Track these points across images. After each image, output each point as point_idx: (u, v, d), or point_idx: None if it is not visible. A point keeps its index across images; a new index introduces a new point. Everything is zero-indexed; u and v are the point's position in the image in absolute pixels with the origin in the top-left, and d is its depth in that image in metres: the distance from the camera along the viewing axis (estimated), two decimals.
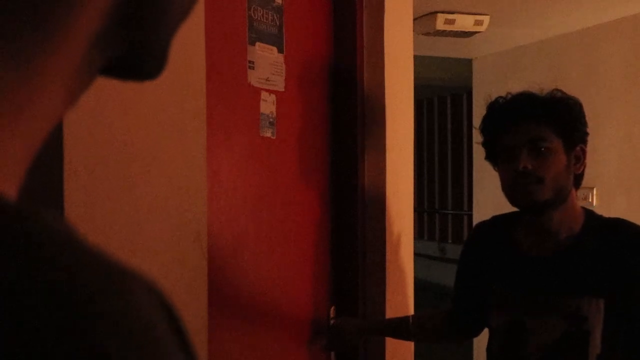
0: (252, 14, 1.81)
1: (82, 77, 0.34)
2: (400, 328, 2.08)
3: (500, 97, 1.83)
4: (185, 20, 0.39)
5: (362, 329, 2.13)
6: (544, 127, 1.72)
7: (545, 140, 1.71)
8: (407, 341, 2.29)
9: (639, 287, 1.69)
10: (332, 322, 2.16)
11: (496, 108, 1.81)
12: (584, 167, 1.80)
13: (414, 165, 2.59)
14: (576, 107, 1.78)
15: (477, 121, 1.93)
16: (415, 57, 2.52)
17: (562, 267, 1.73)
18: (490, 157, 1.84)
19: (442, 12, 4.15)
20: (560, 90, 1.81)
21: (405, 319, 2.09)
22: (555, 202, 1.73)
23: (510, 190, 1.76)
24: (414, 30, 2.56)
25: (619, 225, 1.76)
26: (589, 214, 1.81)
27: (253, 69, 1.81)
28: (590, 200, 4.40)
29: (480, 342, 2.71)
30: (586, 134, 1.80)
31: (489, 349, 1.89)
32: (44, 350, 0.25)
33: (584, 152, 1.79)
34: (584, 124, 1.80)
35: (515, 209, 1.82)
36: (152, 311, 0.29)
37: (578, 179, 1.80)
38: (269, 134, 1.89)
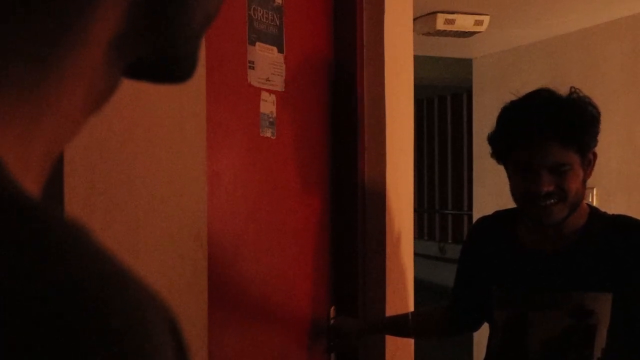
0: (252, 14, 1.81)
1: (103, 79, 0.34)
2: (400, 325, 2.09)
3: (517, 100, 1.74)
4: (212, 21, 0.39)
5: (362, 328, 2.13)
6: (566, 148, 1.66)
7: (567, 164, 1.67)
8: (408, 338, 2.29)
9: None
10: (332, 322, 2.16)
11: (514, 115, 1.71)
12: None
13: (414, 165, 2.59)
14: (595, 119, 1.72)
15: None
16: (415, 57, 2.52)
17: (566, 264, 1.73)
18: (497, 156, 1.80)
19: (442, 12, 4.15)
20: (577, 92, 1.73)
21: (404, 316, 2.10)
22: (571, 214, 1.72)
23: (528, 207, 1.72)
24: (414, 30, 2.56)
25: (622, 221, 1.77)
26: (593, 210, 1.81)
27: (253, 69, 1.81)
28: (590, 200, 4.40)
29: (481, 339, 2.71)
30: (598, 134, 1.75)
31: (489, 345, 1.89)
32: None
33: (595, 156, 1.76)
34: (598, 130, 1.73)
35: None
36: (162, 337, 0.28)
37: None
38: (269, 134, 1.89)
